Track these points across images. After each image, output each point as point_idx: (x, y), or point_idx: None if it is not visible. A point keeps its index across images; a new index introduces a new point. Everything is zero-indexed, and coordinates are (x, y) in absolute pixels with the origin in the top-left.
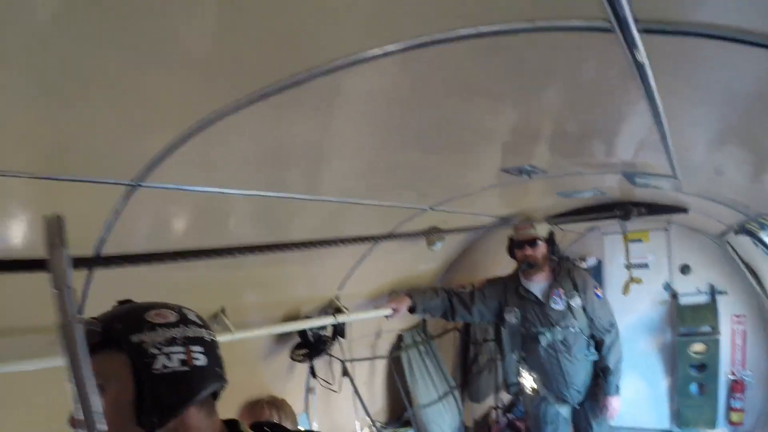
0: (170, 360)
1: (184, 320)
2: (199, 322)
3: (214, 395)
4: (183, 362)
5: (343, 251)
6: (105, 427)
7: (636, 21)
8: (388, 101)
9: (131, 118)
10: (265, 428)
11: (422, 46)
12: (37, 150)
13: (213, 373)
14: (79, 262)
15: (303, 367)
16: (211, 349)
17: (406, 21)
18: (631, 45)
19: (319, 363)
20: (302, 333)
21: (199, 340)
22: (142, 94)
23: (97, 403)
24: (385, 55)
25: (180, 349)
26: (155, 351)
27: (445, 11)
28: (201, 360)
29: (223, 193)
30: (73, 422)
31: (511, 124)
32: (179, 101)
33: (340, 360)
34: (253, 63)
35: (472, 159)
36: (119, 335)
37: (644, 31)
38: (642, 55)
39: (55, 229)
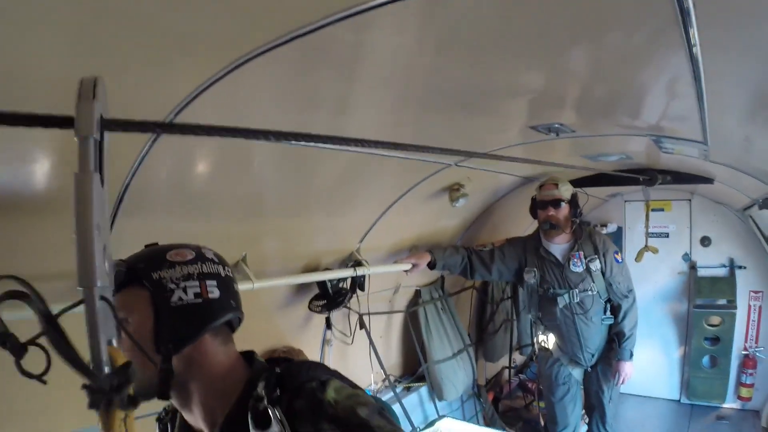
0: (186, 293)
1: (201, 258)
2: (216, 260)
3: (231, 327)
4: (197, 295)
5: (365, 204)
6: (105, 282)
7: None
8: (414, 53)
9: (162, 58)
10: (279, 361)
11: None
12: (63, 92)
13: (227, 304)
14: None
15: (320, 319)
16: (225, 283)
17: None
18: None
19: (337, 315)
20: (321, 284)
21: (214, 275)
22: (173, 34)
23: (97, 257)
24: None
25: (195, 283)
26: (173, 285)
27: None
28: (215, 293)
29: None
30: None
31: (541, 81)
32: (210, 43)
33: (358, 313)
34: (282, 4)
35: (499, 115)
36: (142, 273)
37: None
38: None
39: (89, 85)
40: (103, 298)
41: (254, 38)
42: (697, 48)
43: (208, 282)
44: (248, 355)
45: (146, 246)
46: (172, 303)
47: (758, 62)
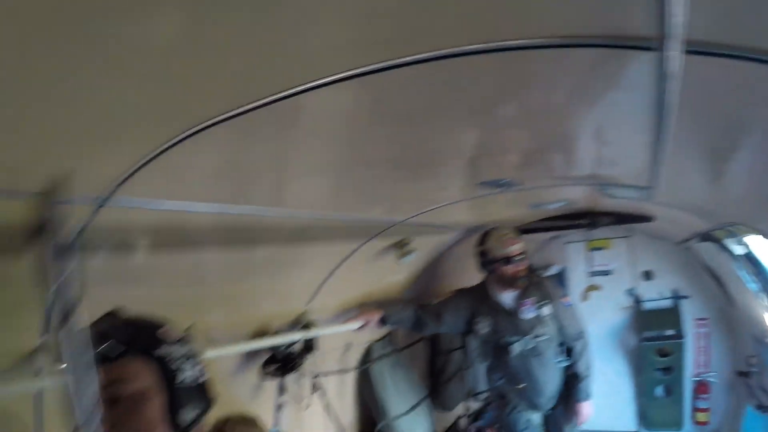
0: (189, 374)
1: (187, 338)
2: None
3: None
4: (196, 378)
5: (311, 266)
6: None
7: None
8: (353, 121)
9: (99, 131)
10: None
11: (385, 69)
12: None
13: (207, 389)
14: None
15: (272, 383)
16: (201, 366)
17: (369, 46)
18: (668, 63)
19: (289, 377)
20: (272, 348)
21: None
22: (111, 105)
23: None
24: (348, 78)
25: (192, 364)
26: (177, 364)
27: (410, 34)
28: (206, 375)
29: (188, 211)
30: None
31: (480, 140)
32: (148, 116)
33: (311, 375)
34: (223, 83)
35: (440, 175)
36: (146, 346)
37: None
38: (673, 73)
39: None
40: None
41: (196, 114)
42: (669, 109)
43: (198, 365)
44: None
45: (108, 313)
46: (181, 382)
47: (704, 121)
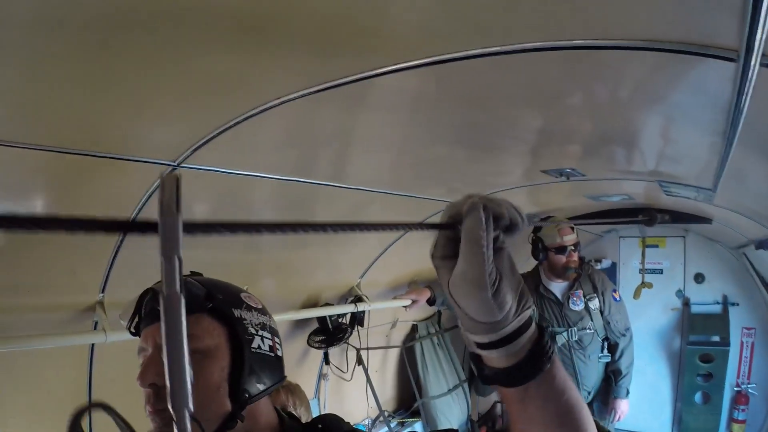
0: (263, 343)
1: (267, 311)
2: (267, 310)
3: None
4: (271, 348)
5: (366, 241)
6: (192, 408)
7: (764, 54)
8: (419, 103)
9: (179, 101)
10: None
11: (455, 60)
12: (76, 125)
13: (283, 365)
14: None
15: (317, 353)
16: (278, 339)
17: (443, 36)
18: (745, 75)
19: (334, 350)
20: (321, 319)
21: (277, 333)
22: (195, 77)
23: (188, 381)
24: (420, 66)
25: (269, 335)
26: (253, 330)
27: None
28: (280, 351)
29: (255, 176)
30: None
31: (548, 128)
32: (230, 89)
33: (356, 348)
34: (303, 63)
35: (501, 159)
36: (222, 306)
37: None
38: (750, 84)
39: (171, 191)
40: (193, 418)
41: (277, 88)
42: (740, 121)
43: (276, 339)
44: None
45: (192, 272)
46: (253, 348)
47: None
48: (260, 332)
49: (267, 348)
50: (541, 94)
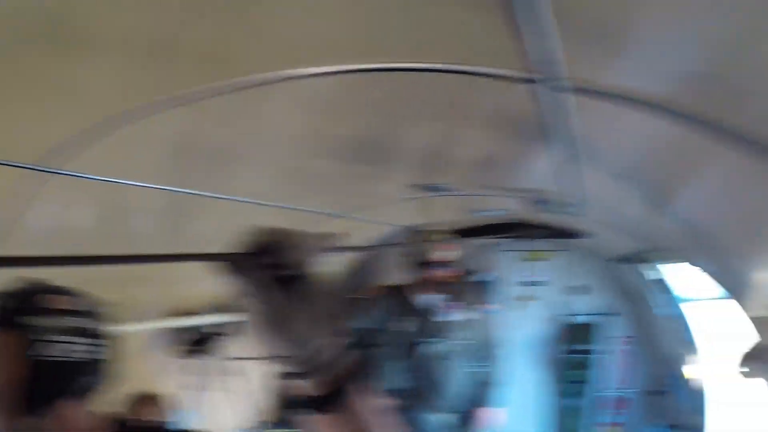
0: (56, 349)
1: (76, 309)
2: (91, 312)
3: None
4: (68, 352)
5: None
6: None
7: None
8: (306, 115)
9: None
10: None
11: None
12: None
13: (94, 367)
14: None
15: (193, 363)
16: (97, 342)
17: (331, 50)
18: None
19: (203, 359)
20: (196, 328)
21: (86, 332)
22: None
23: None
24: (308, 76)
25: (67, 338)
26: (46, 337)
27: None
28: (83, 353)
29: (133, 185)
30: None
31: (422, 145)
32: (101, 91)
33: (232, 358)
34: (186, 66)
35: (384, 173)
36: (12, 315)
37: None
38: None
39: None
40: None
41: (151, 92)
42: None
43: (78, 340)
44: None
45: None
46: (42, 356)
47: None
48: (55, 337)
49: (61, 352)
50: (416, 110)
